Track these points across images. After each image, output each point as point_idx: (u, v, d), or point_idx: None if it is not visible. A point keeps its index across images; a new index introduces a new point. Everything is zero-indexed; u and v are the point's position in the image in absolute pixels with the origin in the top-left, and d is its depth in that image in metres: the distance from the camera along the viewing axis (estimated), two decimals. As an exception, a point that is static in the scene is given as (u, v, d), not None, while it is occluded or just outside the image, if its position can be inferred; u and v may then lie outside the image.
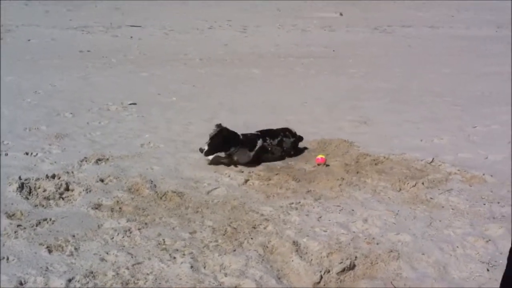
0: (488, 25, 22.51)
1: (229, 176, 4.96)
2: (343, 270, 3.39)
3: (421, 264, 3.47)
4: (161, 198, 4.42)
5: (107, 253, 3.50)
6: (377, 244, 3.71)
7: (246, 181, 4.87)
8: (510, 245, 3.62)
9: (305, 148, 5.89)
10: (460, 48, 16.50)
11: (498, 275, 3.28)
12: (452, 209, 4.29)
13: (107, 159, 5.21)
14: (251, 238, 3.76)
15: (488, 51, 15.82)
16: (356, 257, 3.51)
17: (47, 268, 3.28)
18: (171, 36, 16.24)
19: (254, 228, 3.94)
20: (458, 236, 3.82)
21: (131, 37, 15.30)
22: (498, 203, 4.39)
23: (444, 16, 25.51)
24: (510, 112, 7.83)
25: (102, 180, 4.68)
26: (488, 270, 3.36)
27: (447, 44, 17.35)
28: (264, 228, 3.94)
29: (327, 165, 5.29)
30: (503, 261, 3.42)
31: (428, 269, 3.41)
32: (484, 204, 4.36)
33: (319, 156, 5.40)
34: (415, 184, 4.76)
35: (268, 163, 5.42)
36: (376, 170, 5.20)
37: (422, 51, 15.72)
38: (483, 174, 5.03)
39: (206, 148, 5.26)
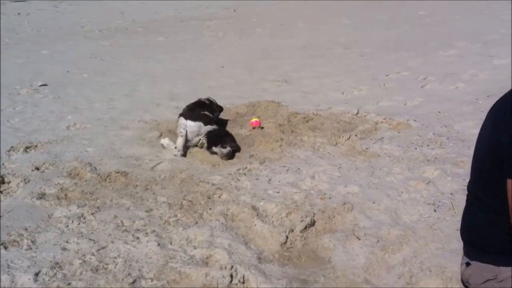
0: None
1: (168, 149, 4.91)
2: (305, 228, 3.52)
3: (373, 212, 3.69)
4: (105, 179, 4.30)
5: (67, 242, 3.38)
6: (330, 198, 3.88)
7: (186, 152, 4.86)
8: (448, 185, 3.96)
9: (237, 113, 5.93)
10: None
11: (445, 214, 3.58)
12: (388, 156, 4.56)
13: (36, 146, 4.95)
14: (210, 209, 3.79)
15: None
16: (314, 214, 3.65)
17: (8, 265, 3.12)
18: (61, 8, 15.41)
19: (209, 198, 3.96)
20: (400, 181, 4.08)
21: (19, 13, 14.36)
22: (428, 146, 4.72)
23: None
24: (415, 57, 8.33)
25: (37, 168, 4.45)
26: (435, 210, 3.63)
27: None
28: (219, 197, 3.98)
29: (262, 128, 5.39)
30: (446, 201, 3.75)
31: (381, 216, 3.64)
32: (416, 148, 4.67)
33: (253, 120, 5.47)
34: (349, 137, 4.98)
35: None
36: (309, 127, 5.37)
37: (318, 3, 16.11)
38: (407, 120, 5.36)
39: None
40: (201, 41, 10.72)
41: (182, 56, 9.35)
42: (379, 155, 4.62)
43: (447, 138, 4.88)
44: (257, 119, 5.49)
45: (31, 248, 3.31)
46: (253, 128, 5.39)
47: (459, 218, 3.47)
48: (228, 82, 7.30)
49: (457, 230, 3.33)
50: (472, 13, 12.36)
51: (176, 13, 14.67)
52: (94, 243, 3.38)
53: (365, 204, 3.78)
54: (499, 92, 2.00)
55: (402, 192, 3.93)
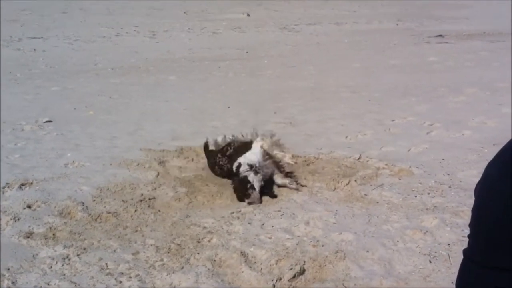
0: (389, 19, 23.62)
1: (162, 189, 4.84)
2: (294, 276, 3.41)
3: (367, 262, 3.56)
4: (96, 220, 4.24)
5: (48, 284, 3.30)
6: (323, 246, 3.77)
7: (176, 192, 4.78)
8: (446, 235, 3.82)
9: (236, 155, 5.86)
10: (365, 42, 17.19)
11: (440, 265, 3.44)
12: (387, 203, 4.44)
13: (31, 183, 4.91)
14: (197, 253, 3.69)
15: (391, 43, 16.58)
16: (304, 262, 3.54)
17: (-16, 309, 3.04)
18: (76, 46, 15.66)
19: (199, 242, 3.87)
20: (397, 230, 3.96)
21: (34, 49, 14.59)
22: (428, 194, 4.60)
23: (347, 12, 26.49)
24: (423, 103, 8.26)
25: (29, 206, 4.40)
26: (430, 261, 3.50)
27: (352, 39, 18.01)
28: (209, 241, 3.89)
29: None
30: (443, 252, 3.61)
31: (374, 266, 3.51)
32: (416, 196, 4.55)
33: None
34: (348, 182, 4.88)
35: (197, 173, 5.33)
36: (309, 171, 5.28)
37: (331, 47, 16.23)
38: (410, 167, 5.25)
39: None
40: (211, 81, 10.78)
41: (191, 95, 9.38)
42: (377, 202, 4.50)
43: (449, 187, 4.75)
44: None
45: (10, 290, 3.22)
46: None
47: (454, 270, 3.33)
48: (233, 123, 7.27)
49: (452, 283, 3.19)
50: (483, 61, 12.33)
51: (190, 53, 14.83)
52: (76, 285, 3.30)
53: (358, 253, 3.65)
54: (506, 142, 1.90)
55: (398, 241, 3.80)
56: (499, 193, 2.07)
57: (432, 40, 16.90)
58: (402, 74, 11.05)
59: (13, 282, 3.31)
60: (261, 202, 4.53)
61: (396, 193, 4.64)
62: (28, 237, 3.90)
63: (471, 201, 4.23)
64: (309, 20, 23.31)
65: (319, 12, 26.69)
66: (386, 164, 5.36)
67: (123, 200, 4.56)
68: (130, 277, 3.39)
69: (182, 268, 3.51)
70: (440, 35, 17.95)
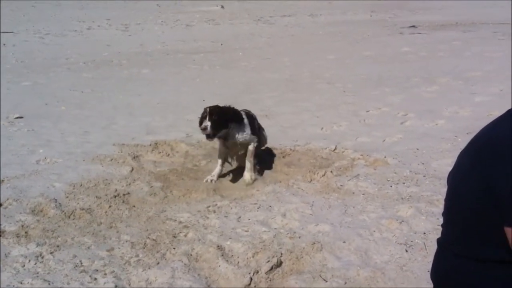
0: (363, 10, 23.74)
1: (137, 184, 4.78)
2: (271, 269, 3.39)
3: (343, 252, 3.56)
4: (69, 217, 4.16)
5: (21, 283, 3.23)
6: (299, 237, 3.75)
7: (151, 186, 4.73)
8: (422, 224, 3.84)
9: (213, 148, 5.82)
10: (339, 33, 17.25)
11: (416, 255, 3.46)
12: (363, 194, 4.46)
13: (3, 180, 4.80)
14: (173, 248, 3.65)
15: (365, 34, 16.66)
16: (281, 254, 3.52)
17: (-46, 311, 2.96)
18: (47, 40, 15.39)
19: (175, 237, 3.83)
20: (373, 220, 3.97)
21: (4, 44, 14.29)
22: (404, 183, 4.62)
23: (322, 4, 26.54)
24: (396, 93, 8.31)
25: (0, 205, 4.30)
26: (406, 251, 3.51)
27: (327, 30, 18.08)
28: (185, 235, 3.85)
29: None
30: (419, 241, 3.63)
31: (351, 256, 3.51)
32: (391, 186, 4.57)
33: None
34: (324, 173, 4.88)
35: (172, 167, 5.28)
36: (285, 163, 5.27)
37: (305, 39, 16.24)
38: (385, 157, 5.27)
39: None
40: (185, 74, 10.69)
41: (164, 89, 9.29)
42: (353, 193, 4.51)
43: (424, 176, 4.78)
44: None
45: (-18, 290, 3.15)
46: None
47: (430, 259, 3.33)
48: (207, 116, 7.20)
49: (428, 271, 3.21)
50: (456, 51, 12.46)
51: (163, 46, 14.69)
52: (49, 284, 3.23)
53: (335, 244, 3.65)
54: (479, 130, 1.90)
55: (374, 231, 3.81)
56: (471, 182, 2.08)
57: (406, 31, 17.04)
58: (376, 65, 11.11)
59: (-16, 282, 3.23)
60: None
61: (371, 183, 4.66)
62: (0, 236, 3.81)
63: (445, 190, 4.26)
64: (283, 12, 23.32)
65: (294, 3, 26.69)
66: (361, 155, 5.37)
67: (96, 196, 4.49)
68: (105, 274, 3.34)
69: (158, 263, 3.46)
70: (413, 26, 18.10)
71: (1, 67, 11.16)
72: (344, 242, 3.67)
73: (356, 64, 11.49)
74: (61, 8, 22.29)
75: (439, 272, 2.37)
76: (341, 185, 4.65)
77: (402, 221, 3.91)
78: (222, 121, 4.64)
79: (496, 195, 1.89)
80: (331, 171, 4.93)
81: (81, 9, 22.53)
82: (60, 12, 20.94)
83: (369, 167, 5.08)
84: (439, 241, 2.37)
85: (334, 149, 5.61)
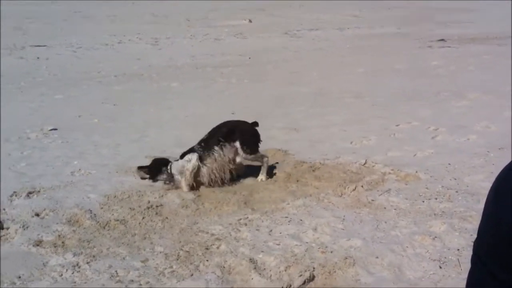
0: (391, 24, 23.65)
1: (169, 196, 4.84)
2: (304, 283, 3.41)
3: (376, 268, 3.56)
4: (104, 227, 4.25)
5: (59, 293, 3.31)
6: (331, 252, 3.76)
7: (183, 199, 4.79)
8: (455, 240, 3.81)
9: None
10: (367, 46, 17.20)
11: (450, 271, 3.44)
12: (395, 209, 4.44)
13: (39, 191, 4.93)
14: (206, 260, 3.70)
15: (393, 48, 16.59)
16: (314, 268, 3.54)
17: (-5, 318, 3.05)
18: (79, 53, 15.68)
19: (207, 249, 3.87)
20: (405, 236, 3.95)
21: (38, 57, 14.61)
22: (436, 199, 4.60)
23: (349, 17, 26.53)
24: (426, 107, 8.26)
25: (37, 215, 4.42)
26: (440, 267, 3.50)
27: (355, 44, 18.04)
28: (217, 248, 3.89)
29: None
30: (453, 257, 3.61)
31: (384, 272, 3.50)
32: (423, 201, 4.55)
33: None
34: (355, 188, 4.88)
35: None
36: (315, 177, 5.28)
37: (333, 52, 16.24)
38: (416, 172, 5.24)
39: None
40: (214, 88, 10.79)
41: (194, 102, 9.39)
42: (385, 208, 4.50)
43: (456, 192, 4.75)
44: None
45: (21, 298, 3.23)
46: None
47: (464, 275, 3.31)
48: (236, 129, 7.26)
49: (463, 289, 3.21)
50: (486, 65, 12.33)
51: (192, 60, 14.85)
52: (86, 294, 3.30)
53: (367, 259, 3.65)
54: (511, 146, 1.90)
55: (407, 247, 3.79)
56: (495, 218, 2.07)
57: (435, 45, 16.92)
58: (405, 79, 11.06)
59: (24, 291, 3.31)
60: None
61: (403, 198, 4.64)
62: (38, 245, 3.91)
63: (479, 206, 4.24)
64: (311, 26, 23.36)
65: (321, 17, 26.73)
66: (392, 169, 5.36)
67: (130, 208, 4.57)
68: (141, 284, 3.40)
69: (192, 275, 3.51)
70: (443, 39, 17.96)
71: (34, 80, 11.43)
72: (377, 257, 3.67)
73: (384, 77, 11.45)
74: (93, 22, 22.73)
75: (472, 280, 2.35)
76: (372, 200, 4.64)
77: (436, 237, 3.89)
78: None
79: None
80: (362, 186, 4.93)
81: (111, 23, 22.94)
82: (92, 26, 21.35)
83: (400, 182, 5.06)
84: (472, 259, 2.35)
85: (364, 163, 5.60)
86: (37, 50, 15.72)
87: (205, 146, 5.15)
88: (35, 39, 17.53)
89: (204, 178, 5.09)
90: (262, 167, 5.33)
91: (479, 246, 2.23)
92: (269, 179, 5.28)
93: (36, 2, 27.24)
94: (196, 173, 5.04)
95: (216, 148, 5.10)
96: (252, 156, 5.26)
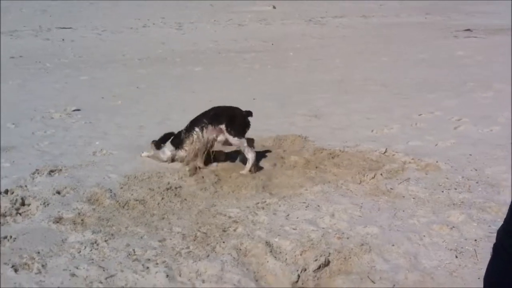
0: (417, 12, 23.33)
1: (190, 179, 4.88)
2: (319, 268, 3.41)
3: (392, 255, 3.55)
4: (123, 207, 4.30)
5: (77, 268, 3.37)
6: (347, 238, 3.76)
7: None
8: (473, 231, 3.79)
9: (262, 146, 5.89)
10: (392, 35, 17.03)
11: (467, 261, 3.41)
12: (413, 198, 4.42)
13: (60, 170, 5.01)
14: (223, 242, 3.72)
15: (419, 37, 16.38)
16: (329, 253, 3.54)
17: (15, 289, 3.13)
18: (104, 36, 15.84)
19: (224, 231, 3.90)
20: (423, 224, 3.93)
21: (63, 39, 14.80)
22: (455, 189, 4.55)
23: (374, 5, 26.24)
24: (451, 97, 8.16)
25: (58, 192, 4.50)
26: (456, 257, 3.47)
27: (380, 32, 17.88)
28: (234, 230, 3.91)
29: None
30: (469, 247, 3.58)
31: (400, 260, 3.49)
32: (443, 191, 4.51)
33: None
34: (374, 176, 4.86)
35: (222, 163, 5.37)
36: (334, 164, 5.28)
37: (358, 40, 16.13)
38: (437, 161, 5.20)
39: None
40: (236, 73, 10.81)
41: (216, 87, 9.43)
42: (403, 196, 4.47)
43: (476, 182, 4.70)
44: None
45: (40, 272, 3.31)
46: None
47: (481, 266, 3.32)
48: (258, 115, 7.22)
49: (479, 278, 3.18)
50: (513, 55, 12.10)
51: (215, 45, 14.89)
52: (104, 270, 3.35)
53: (384, 247, 3.64)
54: None
55: (424, 236, 3.77)
56: None
57: (461, 34, 16.67)
58: (430, 68, 10.93)
59: (43, 265, 3.38)
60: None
61: (422, 187, 4.61)
62: (58, 222, 3.98)
63: (499, 197, 4.19)
64: (335, 13, 23.19)
65: (346, 4, 26.49)
66: (412, 159, 5.32)
67: (150, 188, 4.62)
68: (157, 264, 3.44)
69: (208, 256, 3.54)
70: (469, 29, 17.67)
71: (59, 62, 11.58)
72: (393, 245, 3.66)
73: (409, 66, 11.34)
74: (118, 5, 22.88)
75: (492, 278, 2.34)
76: (391, 188, 4.62)
77: (453, 227, 3.86)
78: None
79: None
80: (381, 174, 4.90)
81: (136, 6, 23.06)
82: (117, 10, 21.51)
83: (420, 171, 5.03)
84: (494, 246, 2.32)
85: (385, 152, 5.57)
86: (62, 32, 15.93)
87: (189, 127, 5.28)
88: (61, 21, 17.74)
89: (183, 160, 5.25)
90: (247, 161, 5.16)
91: (505, 234, 2.21)
92: (288, 165, 5.27)
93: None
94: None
95: (196, 130, 5.18)
96: (236, 139, 5.17)
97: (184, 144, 5.22)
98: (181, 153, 5.25)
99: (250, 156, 5.14)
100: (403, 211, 4.18)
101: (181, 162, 5.27)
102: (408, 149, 5.70)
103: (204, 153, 5.19)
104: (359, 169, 5.08)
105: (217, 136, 5.21)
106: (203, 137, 5.17)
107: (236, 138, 5.17)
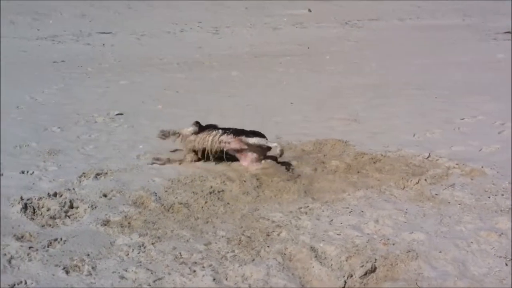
0: (455, 14, 22.96)
1: (233, 183, 4.92)
2: (365, 274, 3.41)
3: (439, 262, 3.51)
4: (168, 210, 4.37)
5: (126, 271, 3.44)
6: (393, 244, 3.74)
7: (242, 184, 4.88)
8: (523, 237, 3.71)
9: (302, 150, 5.90)
10: (429, 38, 16.78)
11: (517, 269, 3.35)
12: (459, 204, 4.36)
13: (106, 173, 5.12)
14: (267, 246, 3.75)
15: (456, 39, 16.11)
16: (375, 260, 3.53)
17: (67, 291, 3.21)
18: (143, 41, 16.07)
19: (268, 235, 3.93)
20: (470, 231, 3.88)
21: (103, 44, 15.08)
22: (502, 195, 4.48)
23: (411, 7, 25.91)
24: (492, 101, 8.01)
25: (105, 195, 4.60)
26: (506, 264, 3.42)
27: (416, 35, 17.64)
28: (278, 235, 3.94)
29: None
30: (520, 255, 3.51)
31: (448, 267, 3.46)
32: (489, 197, 4.44)
33: None
34: (418, 181, 4.82)
35: (263, 167, 5.38)
36: (376, 169, 5.25)
37: (394, 43, 15.96)
38: (482, 167, 5.12)
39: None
40: (272, 77, 10.83)
41: (253, 91, 9.47)
42: (449, 202, 4.42)
43: (524, 188, 4.61)
44: None
45: (91, 274, 3.39)
46: None
47: (533, 275, 3.26)
48: (295, 119, 7.30)
49: (531, 288, 3.12)
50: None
51: (251, 48, 14.94)
52: (152, 273, 3.42)
53: (431, 253, 3.61)
54: None
55: (471, 242, 3.73)
56: None
57: (500, 37, 16.33)
58: (469, 71, 10.75)
59: (93, 268, 3.47)
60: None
61: (468, 193, 4.55)
62: (105, 225, 4.07)
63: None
64: (371, 16, 22.97)
65: (382, 7, 26.22)
66: (456, 164, 5.25)
67: (193, 192, 4.69)
68: (204, 267, 3.49)
69: (253, 260, 3.57)
70: (508, 32, 17.29)
71: (100, 66, 11.82)
72: (440, 252, 3.62)
73: (447, 70, 11.17)
74: (155, 10, 23.18)
75: None
76: (436, 194, 4.57)
77: (502, 233, 3.80)
78: None
79: None
80: (425, 179, 4.86)
81: (173, 11, 23.32)
82: (154, 14, 21.78)
83: (465, 176, 4.96)
84: None
85: (428, 157, 5.51)
86: (102, 36, 16.22)
87: (215, 127, 5.57)
88: (101, 26, 18.06)
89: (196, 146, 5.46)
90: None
91: None
92: (329, 169, 5.26)
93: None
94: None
95: (219, 131, 5.45)
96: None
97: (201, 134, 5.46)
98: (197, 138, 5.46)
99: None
100: (449, 217, 4.13)
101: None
102: (452, 154, 5.62)
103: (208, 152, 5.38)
104: (402, 174, 5.05)
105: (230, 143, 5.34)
106: (218, 139, 5.37)
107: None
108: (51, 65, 11.72)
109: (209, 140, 5.38)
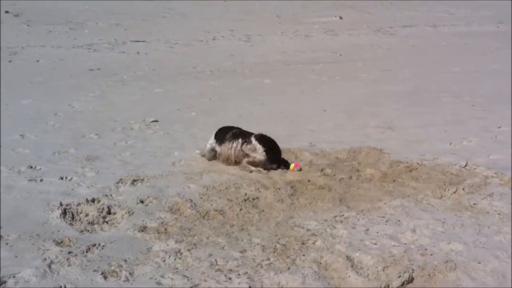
0: (489, 21, 22.58)
1: (267, 191, 4.93)
2: (402, 284, 3.37)
3: (479, 273, 3.46)
4: (204, 217, 4.41)
5: (163, 277, 3.48)
6: (431, 255, 3.70)
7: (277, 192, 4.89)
8: None
9: (336, 158, 5.88)
10: (464, 45, 16.55)
11: (561, 281, 3.27)
12: (498, 214, 4.29)
13: (143, 179, 5.19)
14: (303, 255, 3.74)
15: (492, 47, 15.83)
16: (413, 270, 3.49)
17: (106, 296, 3.27)
18: (176, 49, 16.23)
19: (303, 244, 3.92)
20: (510, 242, 3.81)
21: (138, 52, 15.27)
22: (543, 205, 4.38)
23: (444, 14, 25.59)
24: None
25: (142, 202, 4.67)
26: (548, 276, 3.34)
27: (450, 42, 17.40)
28: (313, 243, 3.93)
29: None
30: None
31: (487, 278, 3.40)
32: (529, 208, 4.35)
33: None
34: (456, 190, 4.75)
35: (297, 175, 5.39)
36: (412, 177, 5.19)
37: (427, 50, 15.77)
38: (521, 176, 5.02)
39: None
40: (305, 85, 10.82)
41: (286, 98, 9.48)
42: (487, 212, 4.35)
43: None
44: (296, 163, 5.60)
45: (128, 280, 3.44)
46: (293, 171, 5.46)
47: None
48: (329, 127, 7.28)
49: None
50: None
51: (283, 56, 14.96)
52: (188, 280, 3.45)
53: (469, 264, 3.55)
54: None
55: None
56: None
57: (538, 44, 15.95)
58: (505, 80, 10.53)
59: (130, 273, 3.52)
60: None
61: (507, 203, 4.46)
62: (142, 231, 4.13)
63: None
64: (404, 23, 22.77)
65: (415, 14, 25.96)
66: (495, 173, 5.16)
67: (228, 199, 4.72)
68: (239, 275, 3.50)
69: (289, 268, 3.57)
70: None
71: (135, 74, 11.99)
72: (479, 262, 3.56)
73: (483, 77, 10.99)
74: (188, 18, 23.43)
75: None
76: (474, 204, 4.50)
77: (544, 245, 3.71)
78: None
79: None
80: (463, 188, 4.78)
81: (205, 19, 23.51)
82: (187, 23, 22.01)
83: (504, 186, 4.87)
84: None
85: (465, 166, 5.42)
86: (137, 45, 16.44)
87: (236, 136, 5.84)
88: (135, 35, 18.33)
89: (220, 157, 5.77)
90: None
91: None
92: (364, 178, 5.23)
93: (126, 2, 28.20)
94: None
95: (239, 141, 5.74)
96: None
97: (223, 146, 5.77)
98: (219, 149, 5.80)
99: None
100: (488, 227, 4.06)
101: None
102: (490, 162, 5.53)
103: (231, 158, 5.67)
104: (439, 183, 4.98)
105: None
106: (236, 148, 5.67)
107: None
108: (87, 72, 11.94)
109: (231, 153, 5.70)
